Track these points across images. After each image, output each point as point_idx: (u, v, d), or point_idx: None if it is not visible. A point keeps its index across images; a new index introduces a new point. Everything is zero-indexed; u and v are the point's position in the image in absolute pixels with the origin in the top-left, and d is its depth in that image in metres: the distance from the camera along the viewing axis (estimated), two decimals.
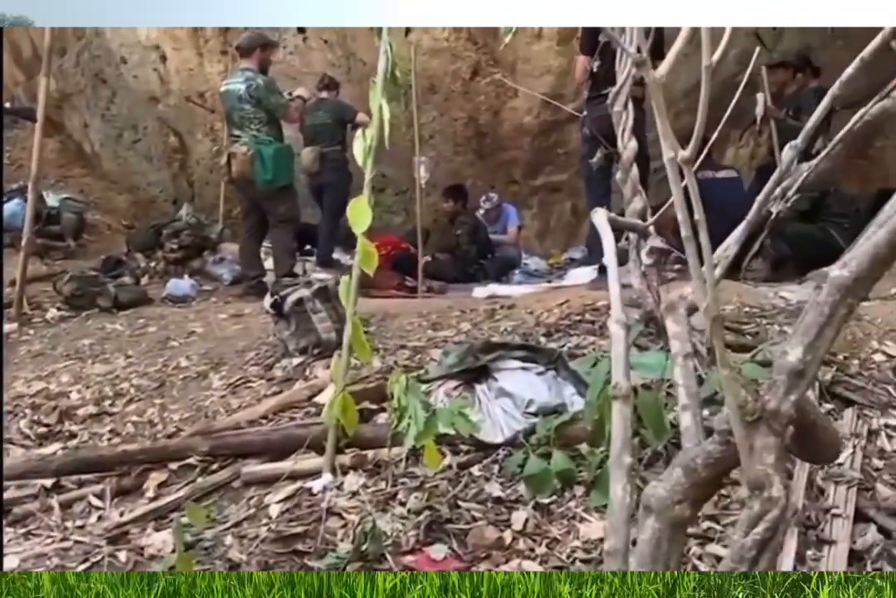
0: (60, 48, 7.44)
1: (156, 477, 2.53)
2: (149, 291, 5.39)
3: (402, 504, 2.21)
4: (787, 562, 1.79)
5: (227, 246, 6.29)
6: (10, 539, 2.26)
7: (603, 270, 4.26)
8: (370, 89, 2.45)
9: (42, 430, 3.06)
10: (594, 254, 4.97)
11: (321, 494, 2.29)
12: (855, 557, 1.84)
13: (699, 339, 1.88)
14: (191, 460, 2.55)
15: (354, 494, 2.27)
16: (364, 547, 1.98)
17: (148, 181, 8.13)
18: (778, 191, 1.38)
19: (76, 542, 2.25)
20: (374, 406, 2.73)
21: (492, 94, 6.80)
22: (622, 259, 2.27)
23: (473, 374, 2.74)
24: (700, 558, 1.88)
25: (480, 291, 4.90)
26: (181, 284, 5.45)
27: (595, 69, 4.07)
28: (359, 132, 2.45)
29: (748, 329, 2.90)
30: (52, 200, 6.55)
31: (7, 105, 7.61)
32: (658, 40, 2.92)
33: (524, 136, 7.02)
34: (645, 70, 1.04)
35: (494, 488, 2.24)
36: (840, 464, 2.13)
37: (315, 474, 2.37)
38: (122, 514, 2.37)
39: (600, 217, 1.52)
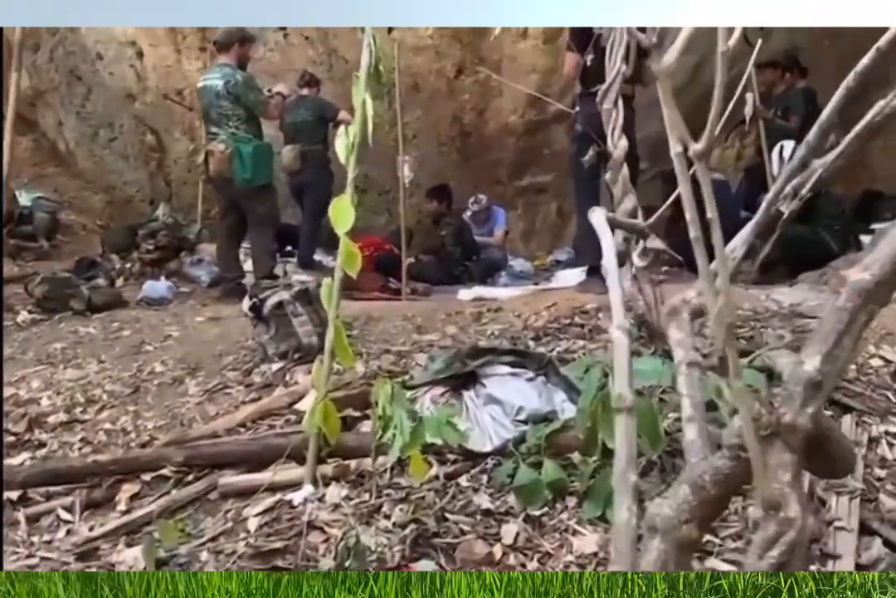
0: (34, 44, 7.28)
1: (128, 489, 2.42)
2: (124, 293, 5.24)
3: (387, 517, 2.11)
4: None
5: (205, 247, 6.16)
6: None
7: (591, 273, 4.19)
8: (353, 85, 2.37)
9: (10, 439, 2.93)
10: (581, 255, 4.90)
11: (302, 506, 2.19)
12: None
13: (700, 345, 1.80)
14: (165, 471, 2.44)
15: (337, 506, 2.18)
16: (347, 563, 1.89)
17: (124, 180, 7.98)
18: (788, 189, 1.31)
19: (42, 558, 2.14)
20: (357, 414, 2.64)
21: (476, 93, 6.73)
22: (619, 261, 2.19)
23: (461, 380, 2.65)
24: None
25: (466, 294, 4.84)
26: (157, 287, 5.31)
27: (588, 63, 3.97)
28: (341, 129, 2.36)
29: (742, 333, 2.84)
30: (24, 199, 6.42)
31: None
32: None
33: (509, 135, 6.97)
34: (656, 56, 0.95)
35: (483, 500, 2.15)
36: None
37: (295, 485, 2.28)
38: (91, 528, 2.26)
39: (599, 217, 1.44)
